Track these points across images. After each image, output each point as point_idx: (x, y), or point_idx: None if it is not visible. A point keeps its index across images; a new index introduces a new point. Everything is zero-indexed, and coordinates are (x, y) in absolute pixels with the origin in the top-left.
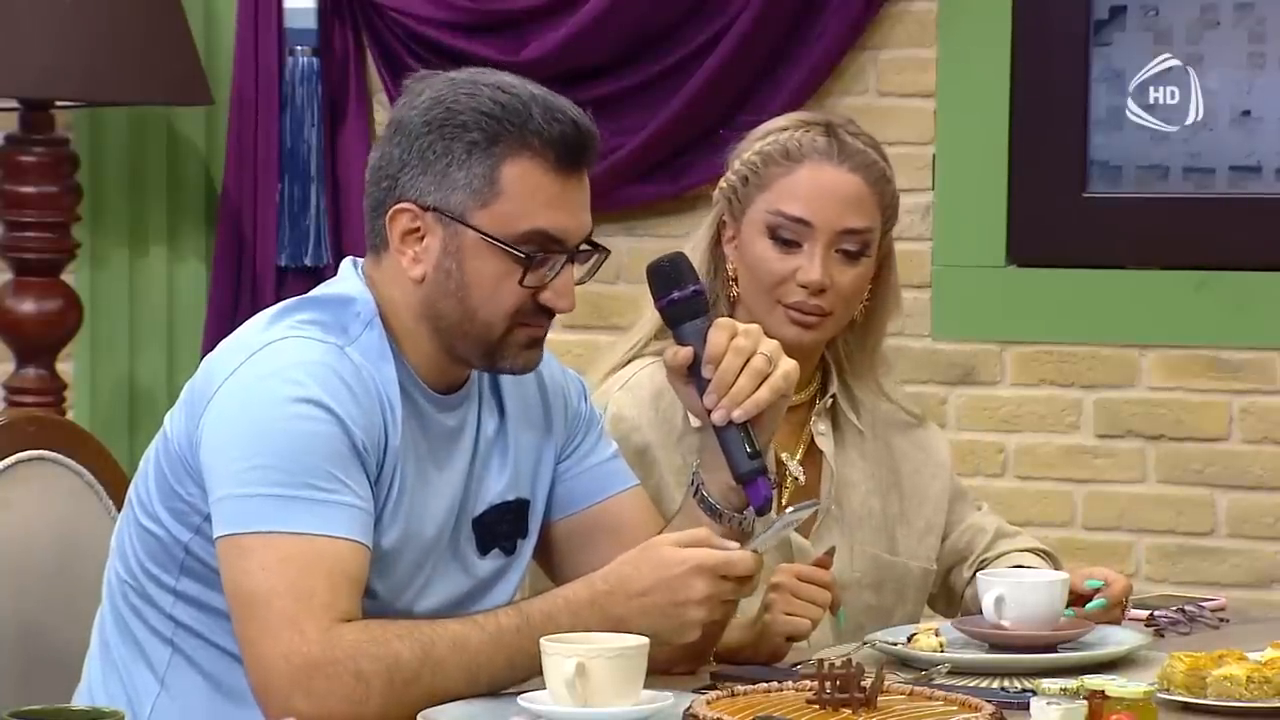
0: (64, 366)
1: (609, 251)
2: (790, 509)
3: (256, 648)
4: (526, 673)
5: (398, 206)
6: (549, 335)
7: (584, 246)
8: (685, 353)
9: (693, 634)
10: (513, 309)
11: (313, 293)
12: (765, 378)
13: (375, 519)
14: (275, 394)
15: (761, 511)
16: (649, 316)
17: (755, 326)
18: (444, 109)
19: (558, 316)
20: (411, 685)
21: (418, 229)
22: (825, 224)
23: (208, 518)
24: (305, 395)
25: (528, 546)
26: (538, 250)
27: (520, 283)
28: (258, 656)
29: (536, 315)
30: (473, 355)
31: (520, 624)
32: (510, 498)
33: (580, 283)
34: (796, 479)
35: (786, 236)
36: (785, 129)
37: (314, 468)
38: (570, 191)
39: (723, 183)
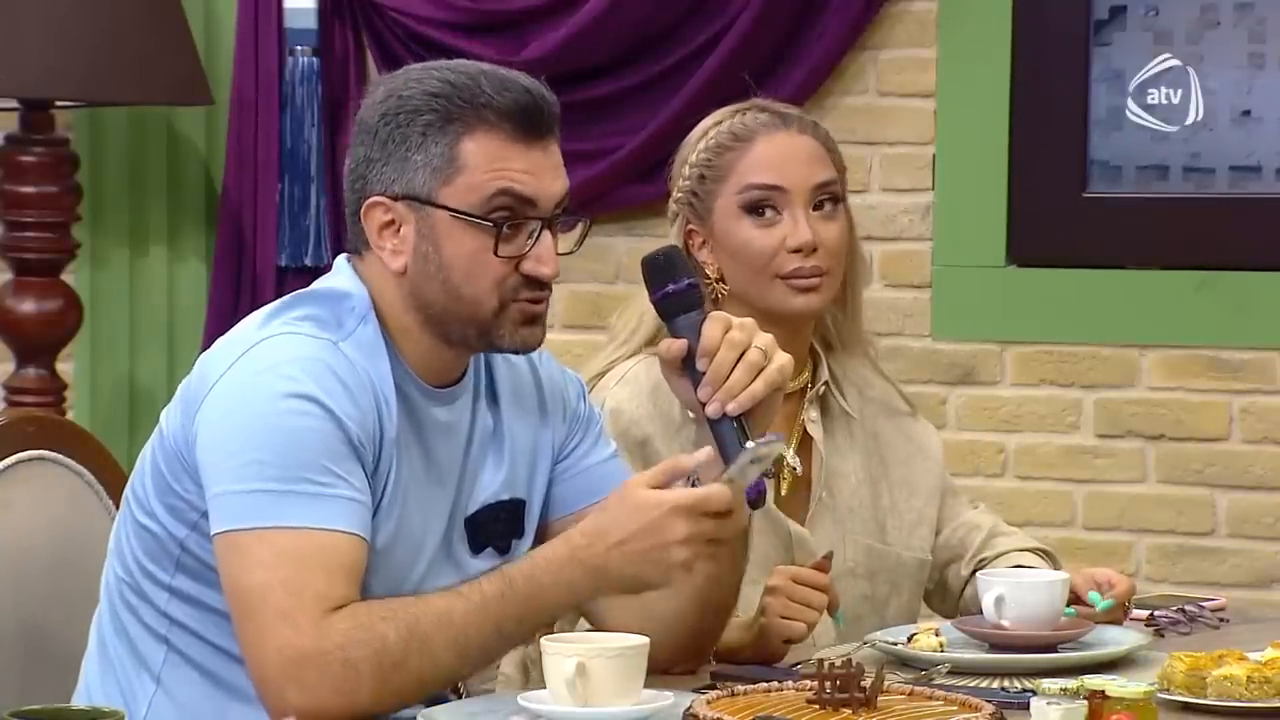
0: (64, 366)
1: (591, 219)
2: (760, 440)
3: (253, 643)
4: (516, 638)
5: (370, 201)
6: (548, 336)
7: (563, 218)
8: (679, 345)
9: (678, 575)
10: (495, 283)
11: (308, 289)
12: (760, 371)
13: (372, 513)
14: (270, 389)
15: (755, 505)
16: (638, 324)
17: (750, 320)
18: (396, 98)
19: (558, 316)
20: (401, 667)
21: (392, 220)
22: (797, 184)
23: (204, 514)
24: (299, 390)
25: (524, 547)
26: (507, 216)
27: (495, 253)
28: (255, 651)
29: (526, 289)
30: (470, 336)
31: (504, 588)
32: (505, 497)
33: (569, 253)
34: (794, 469)
35: (764, 209)
36: (720, 121)
37: (309, 462)
38: (535, 158)
39: (675, 193)
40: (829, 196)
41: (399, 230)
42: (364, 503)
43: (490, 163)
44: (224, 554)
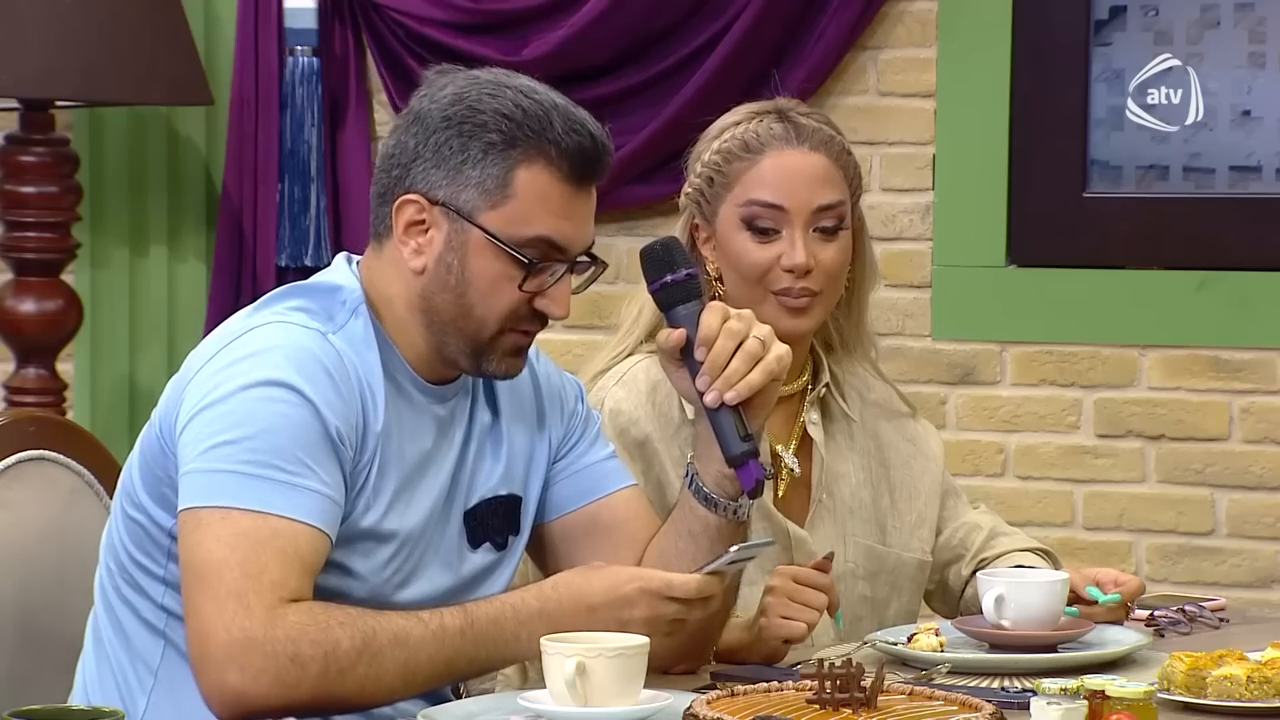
0: (64, 366)
1: (606, 265)
2: (751, 542)
3: (200, 616)
4: (465, 675)
5: (406, 197)
6: (549, 335)
7: (583, 258)
8: (678, 334)
9: None
10: (507, 311)
11: (300, 282)
12: (758, 360)
13: (355, 497)
14: (249, 376)
15: (754, 495)
16: (639, 314)
17: (748, 311)
18: (466, 106)
19: None
20: (347, 674)
21: (423, 221)
22: (798, 206)
23: None
24: (279, 378)
25: (519, 544)
26: (540, 258)
27: (520, 286)
28: (200, 625)
29: (529, 321)
30: (461, 354)
31: (464, 626)
32: (503, 492)
33: (576, 292)
34: (792, 470)
35: (763, 225)
36: (738, 123)
37: (281, 450)
38: (579, 204)
39: (687, 187)
40: (831, 219)
41: (427, 231)
42: (332, 498)
43: (539, 201)
44: (185, 527)
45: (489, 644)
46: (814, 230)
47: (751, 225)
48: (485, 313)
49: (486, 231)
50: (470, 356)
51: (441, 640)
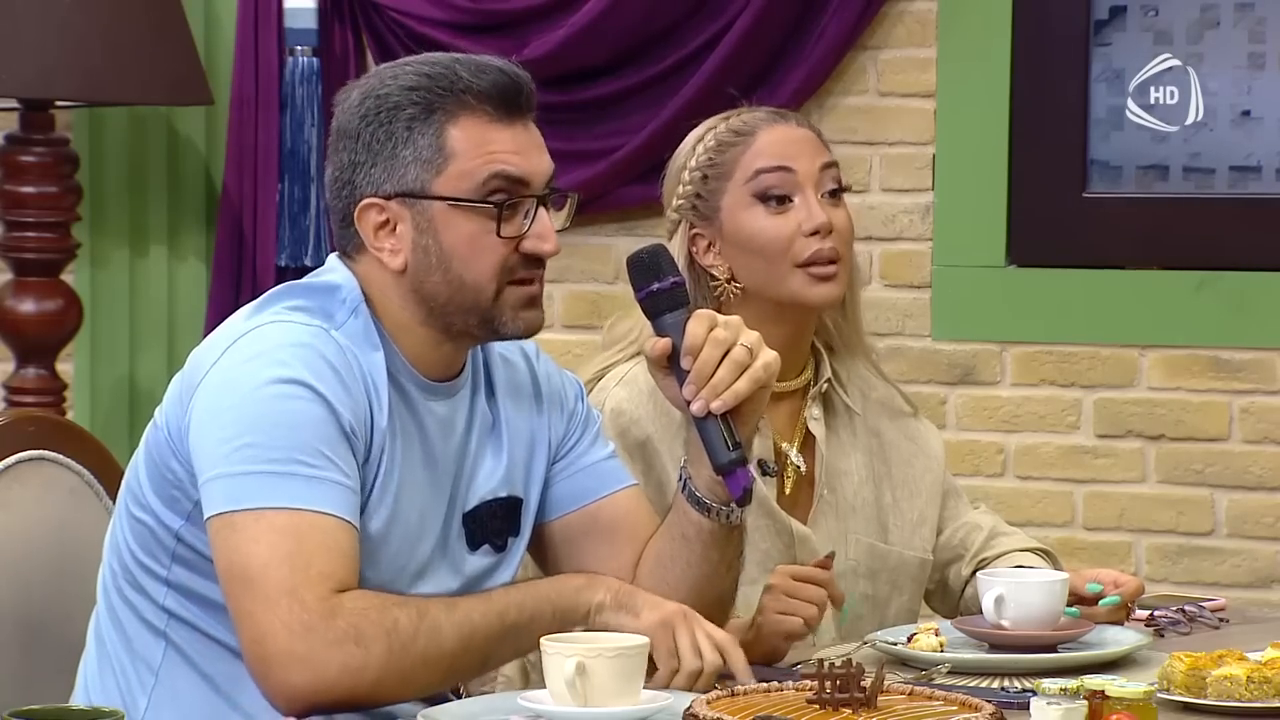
0: (64, 366)
1: (578, 194)
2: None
3: (254, 620)
4: (515, 637)
5: (363, 204)
6: (549, 336)
7: (554, 194)
8: (663, 344)
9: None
10: (498, 266)
11: (297, 281)
12: (745, 369)
13: (364, 494)
14: (260, 375)
15: (742, 503)
16: (638, 331)
17: (736, 318)
18: (374, 99)
19: (558, 317)
20: (409, 648)
21: (387, 220)
22: (805, 166)
23: (198, 504)
24: (290, 376)
25: (520, 545)
26: (505, 197)
27: (498, 234)
28: (255, 628)
29: (525, 268)
30: (472, 326)
31: (509, 585)
32: (503, 494)
33: (562, 229)
34: (798, 467)
35: (776, 193)
36: (714, 126)
37: (302, 445)
38: (519, 136)
39: (676, 202)
40: (833, 180)
41: (395, 229)
42: (354, 489)
43: (478, 147)
44: (219, 534)
45: (538, 591)
46: (822, 194)
47: (764, 197)
48: (477, 276)
49: (443, 197)
50: (482, 325)
51: (490, 598)
